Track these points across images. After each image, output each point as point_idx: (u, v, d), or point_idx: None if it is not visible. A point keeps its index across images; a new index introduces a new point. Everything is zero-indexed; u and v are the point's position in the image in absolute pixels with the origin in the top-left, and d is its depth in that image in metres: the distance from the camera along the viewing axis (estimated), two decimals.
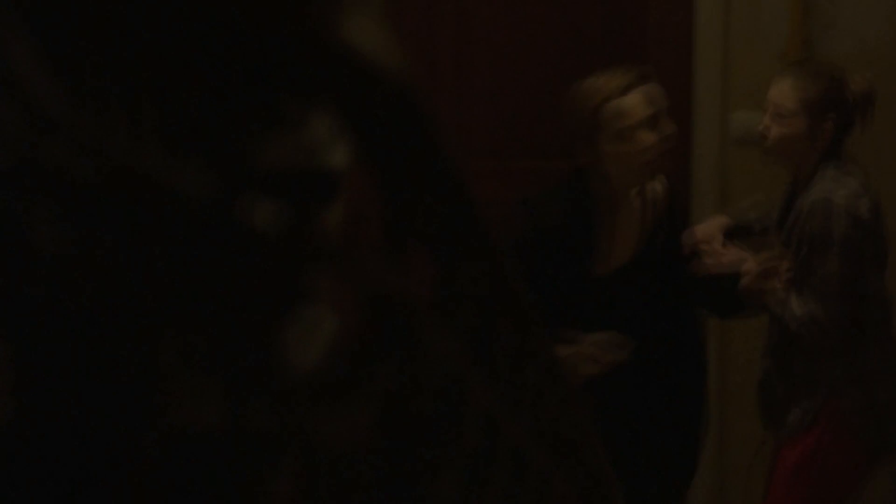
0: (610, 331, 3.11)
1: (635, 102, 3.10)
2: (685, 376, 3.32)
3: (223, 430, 0.47)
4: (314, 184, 0.53)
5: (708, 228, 3.39)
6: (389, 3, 0.68)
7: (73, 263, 0.44)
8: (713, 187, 4.28)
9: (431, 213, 0.56)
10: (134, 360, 0.45)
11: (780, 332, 3.32)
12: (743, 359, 4.12)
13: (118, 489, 0.47)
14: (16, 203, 0.43)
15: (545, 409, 0.71)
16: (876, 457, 3.37)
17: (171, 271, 0.45)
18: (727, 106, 4.21)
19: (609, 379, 3.09)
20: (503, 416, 0.64)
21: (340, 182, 0.53)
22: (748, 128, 3.79)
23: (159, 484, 0.48)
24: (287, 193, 0.50)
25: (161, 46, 0.47)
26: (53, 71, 0.45)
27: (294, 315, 0.50)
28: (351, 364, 0.52)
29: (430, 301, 0.58)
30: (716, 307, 3.44)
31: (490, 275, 0.62)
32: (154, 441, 0.47)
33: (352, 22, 0.50)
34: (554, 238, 3.13)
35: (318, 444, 0.51)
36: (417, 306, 0.56)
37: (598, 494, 0.79)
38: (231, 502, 0.49)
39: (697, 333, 3.41)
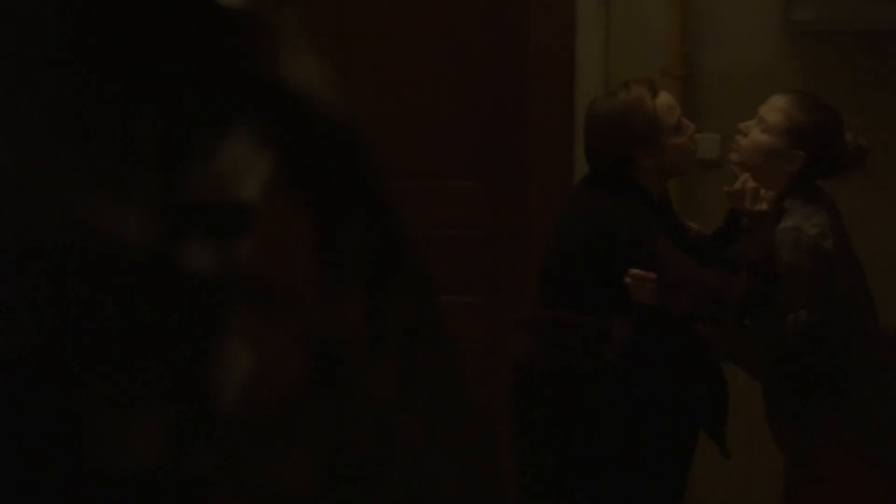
0: None
1: (671, 99, 3.41)
2: None
3: (154, 472, 0.46)
4: (230, 217, 0.51)
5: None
6: None
7: (7, 308, 0.42)
8: None
9: (364, 248, 0.55)
10: (61, 403, 0.43)
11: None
12: None
13: None
14: None
15: (456, 431, 0.71)
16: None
17: (102, 315, 0.43)
18: None
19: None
20: (424, 445, 0.63)
21: (252, 215, 0.52)
22: None
23: None
24: (209, 229, 0.49)
25: (88, 87, 0.45)
26: None
27: (213, 352, 0.48)
28: (287, 404, 0.50)
29: (361, 337, 0.57)
30: None
31: (418, 305, 0.61)
32: (83, 483, 0.45)
33: (289, 56, 0.49)
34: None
35: (256, 486, 0.49)
36: (350, 343, 0.54)
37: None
38: None
39: None
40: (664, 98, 3.38)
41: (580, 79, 4.32)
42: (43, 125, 0.44)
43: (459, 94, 4.51)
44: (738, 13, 4.22)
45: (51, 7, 0.46)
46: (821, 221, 3.23)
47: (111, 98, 0.46)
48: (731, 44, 4.23)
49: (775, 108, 3.30)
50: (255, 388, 0.50)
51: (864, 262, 3.39)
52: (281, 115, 0.49)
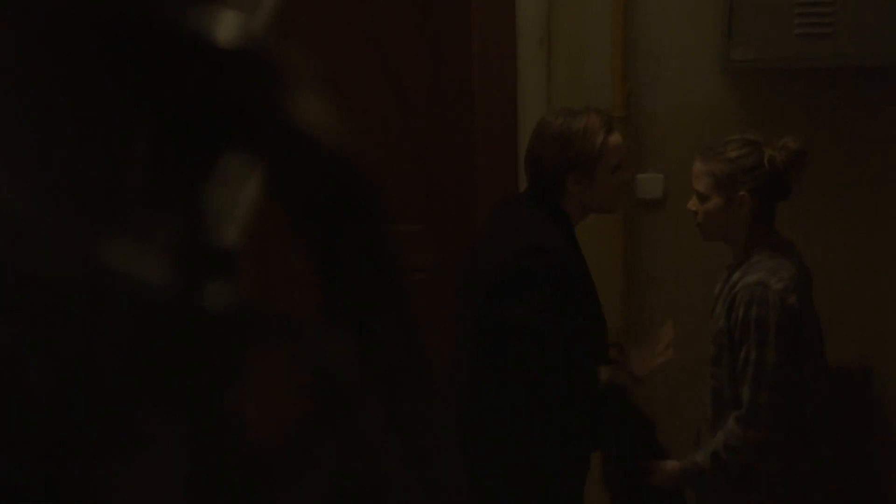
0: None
1: (620, 141, 3.44)
2: None
3: None
4: (228, 256, 0.51)
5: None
6: None
7: (34, 358, 0.41)
8: None
9: (360, 286, 0.54)
10: (88, 451, 0.43)
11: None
12: None
13: None
14: None
15: (437, 469, 0.71)
16: None
17: (132, 355, 0.42)
18: None
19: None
20: (409, 483, 0.63)
21: (239, 254, 0.52)
22: None
23: None
24: (220, 269, 0.48)
25: (99, 137, 0.45)
26: (15, 174, 0.43)
27: (233, 391, 0.48)
28: (294, 439, 0.50)
29: (357, 373, 0.56)
30: None
31: (405, 343, 0.61)
32: None
33: (294, 96, 0.48)
34: (571, 271, 3.32)
35: None
36: (350, 379, 0.54)
37: None
38: None
39: None
40: (616, 138, 3.43)
41: (522, 120, 4.33)
42: (58, 175, 0.43)
43: (402, 138, 4.51)
44: (679, 54, 4.27)
45: (58, 58, 0.45)
46: (786, 276, 3.29)
47: (119, 141, 0.46)
48: (673, 84, 4.27)
49: (699, 175, 3.41)
50: (260, 424, 0.49)
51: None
52: (285, 154, 0.49)
